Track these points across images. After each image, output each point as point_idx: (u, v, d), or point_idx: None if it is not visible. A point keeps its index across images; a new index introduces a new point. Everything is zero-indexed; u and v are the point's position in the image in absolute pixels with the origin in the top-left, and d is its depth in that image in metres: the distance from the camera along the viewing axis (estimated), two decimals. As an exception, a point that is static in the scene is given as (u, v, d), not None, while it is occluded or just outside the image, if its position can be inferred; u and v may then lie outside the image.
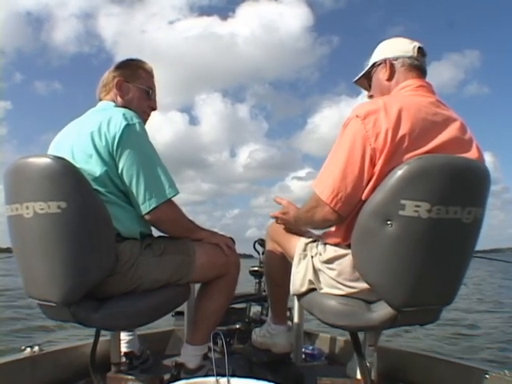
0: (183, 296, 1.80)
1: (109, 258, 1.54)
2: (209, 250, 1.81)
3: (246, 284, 2.91)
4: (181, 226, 1.77)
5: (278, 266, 1.96)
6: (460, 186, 1.38)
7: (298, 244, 1.74)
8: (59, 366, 2.12)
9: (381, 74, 1.69)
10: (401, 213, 1.34)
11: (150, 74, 1.92)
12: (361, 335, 1.66)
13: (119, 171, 1.60)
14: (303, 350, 2.50)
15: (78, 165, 1.56)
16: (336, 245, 1.57)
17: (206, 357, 1.93)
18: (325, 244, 1.62)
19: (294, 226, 1.84)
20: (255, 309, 2.71)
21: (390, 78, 1.67)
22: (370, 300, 1.51)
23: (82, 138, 1.64)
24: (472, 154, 1.48)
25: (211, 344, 1.77)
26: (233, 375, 1.41)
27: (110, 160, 1.60)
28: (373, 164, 1.41)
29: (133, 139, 1.61)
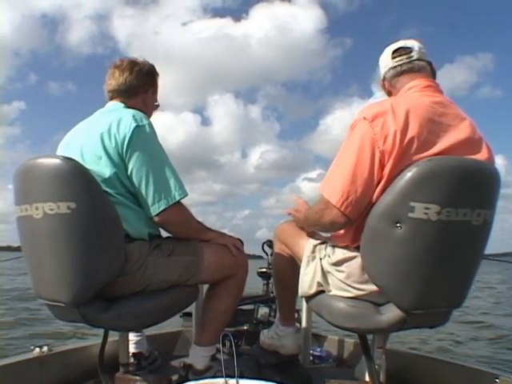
0: (191, 297, 1.80)
1: (118, 258, 1.55)
2: (217, 251, 1.81)
3: (255, 285, 2.91)
4: (189, 227, 1.77)
5: (286, 268, 1.96)
6: (469, 188, 1.37)
7: (306, 246, 1.74)
8: (68, 366, 2.13)
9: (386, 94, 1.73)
10: (410, 215, 1.33)
11: None
12: (369, 337, 1.66)
13: (128, 172, 1.61)
14: (311, 351, 2.49)
15: (87, 166, 1.56)
16: (345, 247, 1.56)
17: (214, 358, 1.93)
18: (333, 246, 1.61)
19: (303, 225, 1.83)
20: (263, 310, 2.71)
21: (389, 94, 1.71)
22: (378, 302, 1.50)
23: (92, 139, 1.64)
24: (482, 155, 1.47)
25: (219, 345, 1.77)
26: (241, 376, 1.41)
27: (119, 161, 1.60)
28: (382, 166, 1.40)
29: (142, 140, 1.61)
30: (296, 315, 2.29)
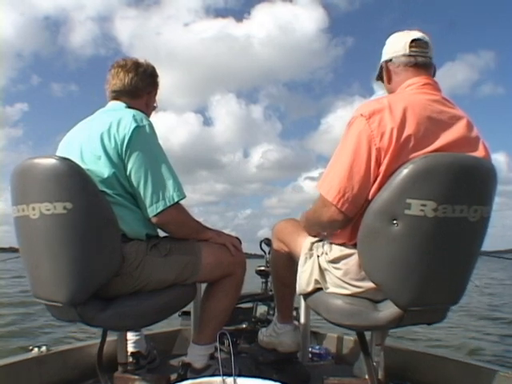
0: (190, 296, 1.80)
1: (115, 258, 1.55)
2: (215, 250, 1.81)
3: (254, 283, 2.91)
4: (187, 228, 1.77)
5: (284, 266, 1.96)
6: (466, 185, 1.37)
7: (303, 243, 1.74)
8: (66, 366, 2.14)
9: (384, 78, 1.70)
10: (407, 212, 1.33)
11: None
12: (367, 335, 1.66)
13: (127, 173, 1.61)
14: (310, 349, 2.50)
15: (86, 166, 1.57)
16: (342, 244, 1.56)
17: (212, 356, 1.93)
18: (331, 243, 1.61)
19: (307, 231, 1.79)
20: (262, 308, 2.71)
21: (389, 81, 1.68)
22: (376, 299, 1.51)
23: (92, 139, 1.64)
24: (479, 153, 1.47)
25: (218, 344, 1.78)
26: (239, 375, 1.41)
27: (118, 161, 1.60)
28: (378, 164, 1.40)
29: (142, 141, 1.61)
30: (294, 313, 2.30)
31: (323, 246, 1.65)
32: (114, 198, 1.61)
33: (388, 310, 1.44)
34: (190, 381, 1.37)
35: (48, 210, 1.46)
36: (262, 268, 2.81)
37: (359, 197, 1.43)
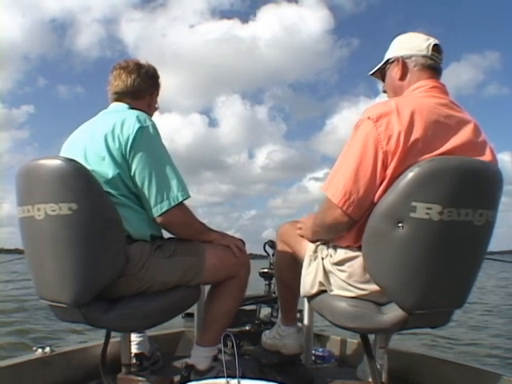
0: (193, 297, 1.80)
1: (119, 259, 1.55)
2: (219, 252, 1.81)
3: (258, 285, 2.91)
4: (192, 228, 1.77)
5: (288, 268, 1.95)
6: (472, 188, 1.37)
7: (308, 246, 1.73)
8: (70, 367, 2.14)
9: (393, 73, 1.66)
10: (412, 215, 1.33)
11: None
12: (371, 337, 1.65)
13: (131, 173, 1.61)
14: (313, 352, 2.49)
15: (90, 167, 1.57)
16: (347, 247, 1.56)
17: (215, 358, 1.93)
18: (335, 246, 1.61)
19: (314, 235, 1.72)
20: (265, 311, 2.71)
21: (402, 78, 1.64)
22: (380, 302, 1.50)
23: (96, 140, 1.65)
24: (486, 157, 1.46)
25: (221, 346, 1.77)
26: (243, 377, 1.41)
27: (122, 162, 1.61)
28: (385, 167, 1.40)
29: (146, 141, 1.62)
30: (298, 315, 2.29)
31: (328, 248, 1.64)
32: (118, 199, 1.61)
33: (392, 312, 1.43)
34: (193, 382, 1.38)
35: (53, 210, 1.46)
36: (266, 270, 2.80)
37: (365, 200, 1.43)
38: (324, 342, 2.78)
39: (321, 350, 2.57)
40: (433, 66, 1.60)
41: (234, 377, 1.39)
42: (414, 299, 1.39)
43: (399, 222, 1.35)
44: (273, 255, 2.62)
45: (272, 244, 2.59)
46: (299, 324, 2.27)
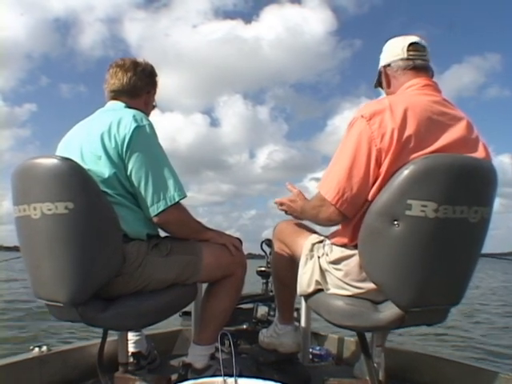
0: (190, 296, 1.80)
1: (116, 258, 1.55)
2: (215, 250, 1.81)
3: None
4: (188, 228, 1.77)
5: (284, 266, 1.96)
6: (466, 186, 1.37)
7: (304, 244, 1.74)
8: (67, 366, 2.13)
9: (383, 83, 1.71)
10: (407, 213, 1.33)
11: None
12: (368, 336, 1.66)
13: (128, 173, 1.61)
14: (310, 350, 2.50)
15: (86, 166, 1.57)
16: (343, 245, 1.56)
17: (213, 357, 1.93)
18: (331, 244, 1.62)
19: (299, 217, 1.82)
20: (262, 309, 2.71)
21: (388, 86, 1.69)
22: (377, 300, 1.51)
23: (92, 139, 1.64)
24: (479, 154, 1.47)
25: (218, 344, 1.77)
26: (240, 375, 1.41)
27: (119, 162, 1.60)
28: (378, 164, 1.40)
29: (142, 141, 1.62)
30: (295, 314, 2.30)
31: (324, 247, 1.65)
32: (114, 198, 1.61)
33: (389, 310, 1.44)
34: (191, 381, 1.37)
35: (49, 209, 1.46)
36: (263, 269, 2.80)
37: (358, 197, 1.44)
38: (321, 340, 2.78)
39: (318, 348, 2.57)
40: (414, 66, 1.61)
41: (231, 375, 1.40)
42: (411, 297, 1.39)
43: (395, 220, 1.35)
44: (270, 254, 2.62)
45: (269, 243, 2.59)
46: (296, 323, 2.27)
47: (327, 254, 1.61)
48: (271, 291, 2.75)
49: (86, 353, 2.20)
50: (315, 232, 1.83)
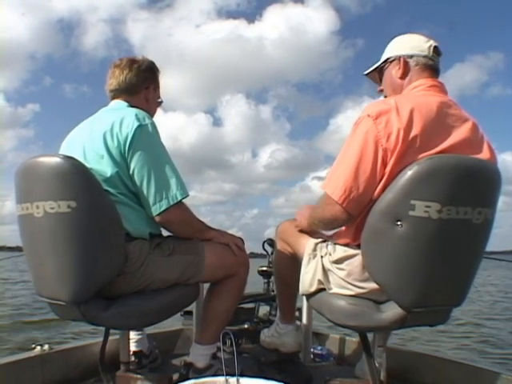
0: (192, 295, 1.80)
1: (118, 257, 1.55)
2: (218, 250, 1.81)
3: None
4: (190, 227, 1.77)
5: (287, 266, 1.96)
6: (470, 187, 1.37)
7: (307, 244, 1.74)
8: (69, 365, 2.14)
9: (394, 71, 1.67)
10: (411, 213, 1.33)
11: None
12: (370, 336, 1.66)
13: (130, 172, 1.61)
14: (312, 350, 2.50)
15: (89, 165, 1.57)
16: (346, 245, 1.56)
17: (214, 356, 1.93)
18: (334, 244, 1.61)
19: (308, 227, 1.79)
20: (264, 309, 2.71)
21: (403, 76, 1.65)
22: (379, 300, 1.50)
23: (94, 138, 1.64)
24: (484, 155, 1.47)
25: (220, 344, 1.77)
26: (241, 375, 1.41)
27: (121, 161, 1.60)
28: (384, 164, 1.40)
29: (145, 140, 1.61)
30: (297, 313, 2.30)
31: (327, 246, 1.64)
32: (117, 197, 1.60)
33: (391, 311, 1.44)
34: (192, 380, 1.37)
35: (52, 208, 1.46)
36: (265, 268, 2.80)
37: (364, 196, 1.43)
38: (323, 340, 2.78)
39: (319, 348, 2.57)
40: (433, 67, 1.62)
41: (232, 375, 1.39)
42: (413, 297, 1.39)
43: (398, 220, 1.35)
44: (272, 253, 2.62)
45: (271, 242, 2.59)
46: (298, 322, 2.27)
47: (330, 254, 1.60)
48: (273, 291, 2.75)
49: (87, 351, 2.21)
50: (318, 232, 1.82)
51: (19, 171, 1.56)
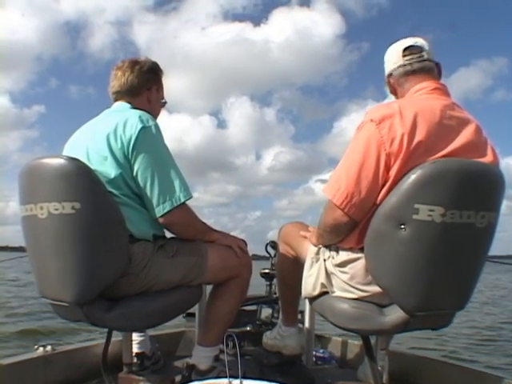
0: (195, 297, 1.80)
1: (122, 258, 1.55)
2: (221, 252, 1.81)
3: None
4: (194, 228, 1.77)
5: (289, 269, 1.95)
6: (474, 191, 1.37)
7: (310, 247, 1.73)
8: (71, 366, 2.14)
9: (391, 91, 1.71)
10: (415, 217, 1.33)
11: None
12: (372, 339, 1.65)
13: (134, 173, 1.61)
14: (314, 353, 2.49)
15: (93, 166, 1.57)
16: (349, 248, 1.56)
17: (217, 358, 1.93)
18: (337, 247, 1.61)
19: (317, 240, 1.71)
20: (266, 311, 2.71)
21: (395, 94, 1.69)
22: (382, 304, 1.50)
23: (98, 140, 1.65)
24: (487, 158, 1.47)
25: (223, 346, 1.77)
26: (245, 377, 1.40)
27: (125, 162, 1.60)
28: (387, 169, 1.40)
29: (148, 142, 1.62)
30: (299, 316, 2.29)
31: (330, 249, 1.64)
32: (120, 199, 1.61)
33: (394, 314, 1.44)
34: (194, 383, 1.37)
35: (56, 209, 1.46)
36: (267, 270, 2.80)
37: (366, 201, 1.43)
38: (325, 343, 2.77)
39: (322, 351, 2.57)
40: (414, 70, 1.60)
41: (235, 377, 1.39)
42: (416, 301, 1.39)
43: (402, 224, 1.35)
44: (274, 256, 2.62)
45: (274, 244, 2.59)
46: (300, 325, 2.27)
47: (333, 257, 1.60)
48: (275, 293, 2.75)
49: (90, 353, 2.21)
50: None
51: (23, 172, 1.57)
